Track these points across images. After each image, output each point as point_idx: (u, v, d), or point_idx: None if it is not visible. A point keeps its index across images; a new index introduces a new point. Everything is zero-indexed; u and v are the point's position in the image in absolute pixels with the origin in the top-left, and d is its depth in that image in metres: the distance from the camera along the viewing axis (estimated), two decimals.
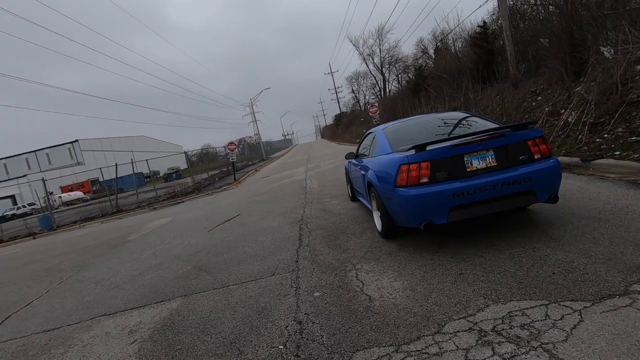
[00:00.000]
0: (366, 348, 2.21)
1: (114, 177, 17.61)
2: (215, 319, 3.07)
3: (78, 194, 37.64)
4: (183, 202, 14.76)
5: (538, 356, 1.84)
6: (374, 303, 2.74)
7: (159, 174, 46.27)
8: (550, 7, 12.94)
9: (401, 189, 3.40)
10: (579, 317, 2.08)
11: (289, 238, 5.10)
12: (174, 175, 37.62)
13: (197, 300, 3.59)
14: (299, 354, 2.31)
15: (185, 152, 25.02)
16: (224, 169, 25.62)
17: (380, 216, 4.10)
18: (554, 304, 2.25)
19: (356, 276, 3.31)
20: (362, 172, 4.83)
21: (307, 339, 2.45)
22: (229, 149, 19.48)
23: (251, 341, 2.59)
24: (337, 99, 57.37)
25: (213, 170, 25.76)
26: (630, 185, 4.31)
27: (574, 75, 8.48)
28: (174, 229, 8.31)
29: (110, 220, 13.92)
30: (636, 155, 4.99)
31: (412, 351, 2.09)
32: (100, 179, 23.40)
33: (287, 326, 2.69)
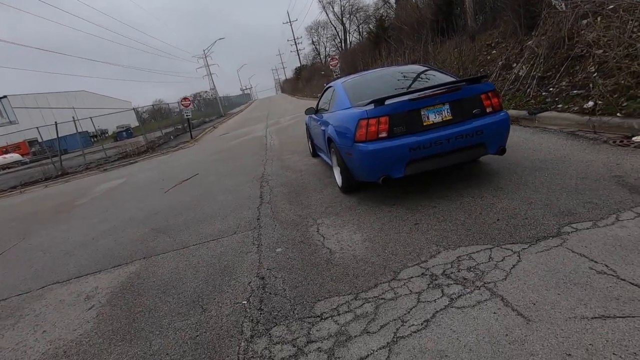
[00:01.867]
0: (327, 298, 2.32)
1: (55, 137, 16.10)
2: (176, 280, 3.04)
3: (15, 156, 34.23)
4: (136, 162, 13.97)
5: (481, 294, 2.03)
6: (335, 255, 2.84)
7: (107, 133, 42.97)
8: None
9: (360, 144, 3.42)
10: (518, 258, 2.30)
11: (249, 196, 5.05)
12: (124, 133, 35.12)
13: (157, 262, 3.52)
14: (262, 307, 2.37)
15: (134, 109, 23.19)
16: (179, 127, 24.27)
17: (340, 172, 4.14)
18: (497, 248, 2.46)
19: (317, 231, 3.39)
20: (322, 127, 4.77)
21: (270, 293, 2.52)
22: (183, 104, 18.33)
23: (214, 299, 2.61)
24: (297, 50, 55.02)
25: (167, 128, 24.33)
26: (568, 136, 4.65)
27: (527, 28, 8.66)
28: (128, 191, 7.91)
29: (55, 184, 12.94)
30: (576, 108, 5.34)
31: (369, 297, 2.22)
32: (39, 140, 21.28)
33: (250, 282, 2.73)
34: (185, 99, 18.47)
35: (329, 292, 2.38)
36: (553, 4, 7.54)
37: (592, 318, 1.69)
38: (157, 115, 31.86)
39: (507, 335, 1.71)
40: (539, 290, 1.96)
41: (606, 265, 2.04)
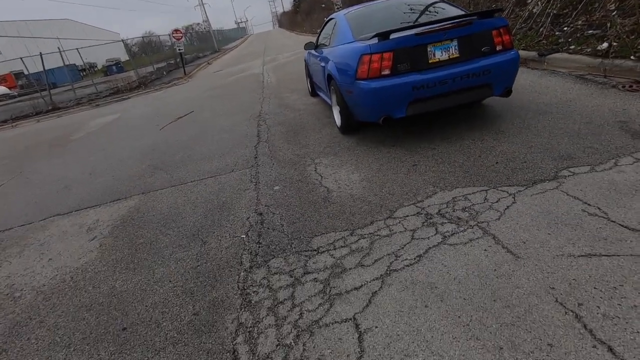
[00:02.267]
0: (323, 233, 2.38)
1: (42, 69, 15.34)
2: (176, 214, 3.10)
3: (2, 89, 32.96)
4: (129, 98, 13.52)
5: (473, 232, 2.09)
6: (332, 194, 2.87)
7: (96, 66, 40.98)
8: None
9: (362, 82, 3.27)
10: (513, 199, 2.33)
11: (246, 135, 4.97)
12: (114, 68, 33.46)
13: (156, 197, 3.56)
14: (260, 241, 2.45)
15: (123, 40, 21.83)
16: (172, 62, 23.13)
17: (340, 111, 4.03)
18: (493, 189, 2.48)
19: (315, 170, 3.39)
20: (322, 64, 4.54)
21: (268, 228, 2.58)
22: (174, 37, 17.25)
23: (214, 232, 2.69)
24: None
25: (159, 63, 23.17)
26: (576, 79, 4.48)
27: None
28: (122, 127, 7.76)
29: (47, 119, 12.63)
30: (589, 50, 5.07)
31: (365, 234, 2.28)
32: (26, 72, 20.23)
33: (248, 217, 2.79)
34: (176, 30, 17.34)
35: (325, 228, 2.44)
36: None
37: (578, 256, 1.76)
38: (147, 49, 30.11)
39: (495, 270, 1.79)
40: (530, 230, 2.01)
41: (599, 208, 2.07)
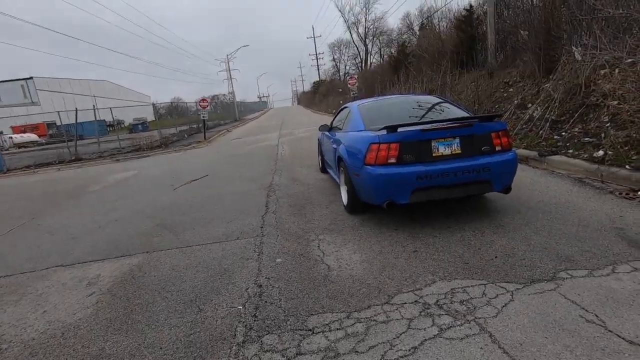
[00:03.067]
0: (320, 313, 2.38)
1: (73, 122, 16.53)
2: (176, 277, 3.13)
3: (32, 136, 35.02)
4: (149, 156, 14.25)
5: (470, 328, 2.08)
6: (332, 272, 2.91)
7: (123, 123, 43.82)
8: None
9: (369, 167, 3.52)
10: (511, 296, 2.34)
11: (256, 203, 5.15)
12: (139, 126, 35.75)
13: (159, 257, 3.62)
14: (257, 314, 2.44)
15: (153, 104, 23.75)
16: (194, 126, 24.71)
17: (347, 191, 4.24)
18: (491, 284, 2.51)
19: (318, 246, 3.46)
20: (334, 145, 4.90)
21: (266, 302, 2.59)
22: (200, 105, 18.72)
23: (211, 300, 2.69)
24: (317, 65, 56.04)
25: (182, 125, 24.80)
26: (575, 182, 4.70)
27: (545, 71, 8.79)
28: (138, 183, 8.09)
29: (68, 168, 13.23)
30: (586, 155, 5.40)
31: (361, 318, 2.28)
32: (58, 123, 21.74)
33: (247, 288, 2.80)
34: (203, 100, 18.89)
35: (323, 307, 2.44)
36: (573, 51, 7.68)
37: None
38: (173, 112, 32.47)
39: None
40: (527, 332, 2.00)
41: (596, 315, 2.08)
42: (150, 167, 10.88)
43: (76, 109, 16.22)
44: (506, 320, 2.11)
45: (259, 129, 22.71)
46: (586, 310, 2.13)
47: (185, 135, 21.10)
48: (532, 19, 10.67)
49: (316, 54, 53.56)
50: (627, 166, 4.63)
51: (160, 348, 2.20)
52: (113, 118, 23.59)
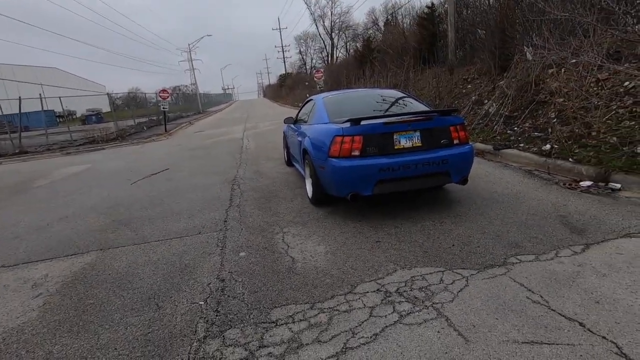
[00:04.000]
0: (284, 305, 2.37)
1: (17, 112, 15.19)
2: (133, 275, 2.99)
3: None
4: (104, 149, 13.44)
5: (428, 313, 2.17)
6: (297, 265, 2.91)
7: (75, 114, 40.95)
8: None
9: (333, 160, 3.54)
10: (466, 282, 2.46)
11: (219, 197, 5.03)
12: (93, 117, 33.51)
13: (115, 254, 3.44)
14: (218, 309, 2.39)
15: (108, 94, 22.28)
16: (154, 118, 23.59)
17: (312, 183, 4.24)
18: (448, 271, 2.63)
19: (282, 239, 3.44)
20: (299, 138, 4.88)
21: (229, 296, 2.54)
22: (160, 96, 17.88)
23: (171, 297, 2.60)
24: (284, 58, 55.38)
25: (141, 117, 23.58)
26: (526, 174, 5.01)
27: (500, 69, 9.27)
28: (92, 178, 7.61)
29: (12, 162, 12.18)
30: (535, 149, 5.77)
31: (325, 308, 2.30)
32: None
33: (209, 283, 2.74)
34: (163, 90, 18.05)
35: (286, 299, 2.44)
36: (524, 51, 8.14)
37: (522, 342, 1.86)
38: (131, 103, 30.77)
39: (446, 353, 1.84)
40: (480, 314, 2.12)
41: (541, 296, 2.24)
42: (105, 160, 10.27)
43: (19, 97, 14.92)
44: (461, 305, 2.22)
45: (223, 122, 22.12)
46: (532, 292, 2.28)
47: (145, 128, 20.11)
48: (488, 19, 11.19)
49: (282, 47, 52.86)
50: (570, 159, 5.01)
51: (115, 349, 2.10)
52: (63, 108, 21.92)
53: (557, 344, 1.83)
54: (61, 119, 32.13)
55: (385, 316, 2.17)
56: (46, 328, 2.37)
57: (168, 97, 18.05)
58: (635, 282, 2.29)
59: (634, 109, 5.35)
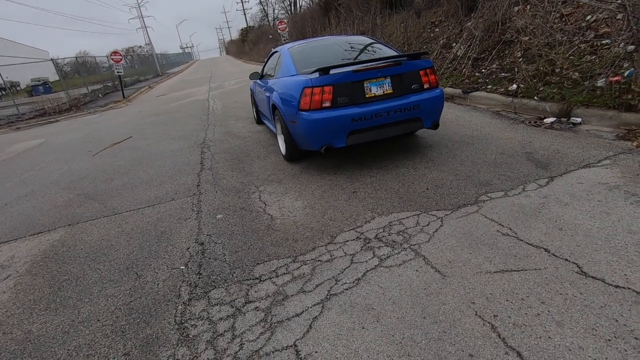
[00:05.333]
0: (266, 261, 2.39)
1: None
2: (107, 247, 2.90)
3: None
4: (57, 121, 12.49)
5: (407, 255, 2.25)
6: (275, 221, 2.91)
7: (19, 86, 37.36)
8: None
9: (304, 113, 3.43)
10: (440, 222, 2.55)
11: (189, 162, 4.85)
12: (40, 88, 30.61)
13: (85, 229, 3.30)
14: (200, 272, 2.38)
15: (52, 59, 20.24)
16: (109, 84, 21.93)
17: (284, 139, 4.14)
18: (424, 214, 2.70)
19: (259, 197, 3.41)
20: (267, 94, 4.67)
21: (209, 258, 2.53)
22: (113, 59, 16.46)
23: (150, 265, 2.55)
24: (244, 10, 51.73)
25: (95, 84, 21.82)
26: (494, 115, 5.11)
27: (468, 9, 9.06)
28: (48, 152, 7.11)
29: None
30: (502, 90, 5.84)
31: (307, 260, 2.34)
32: None
33: (188, 248, 2.70)
34: (115, 52, 16.59)
35: (268, 255, 2.45)
36: None
37: (494, 272, 1.98)
38: (82, 69, 28.25)
39: (425, 289, 1.93)
40: (455, 251, 2.22)
41: (510, 229, 2.36)
42: (60, 133, 9.57)
43: None
44: (437, 244, 2.31)
45: (185, 83, 20.89)
46: (502, 226, 2.40)
47: (100, 95, 18.72)
48: None
49: None
50: (535, 97, 5.12)
51: (98, 320, 2.07)
52: (3, 80, 19.86)
53: (525, 270, 1.96)
54: (4, 92, 29.24)
55: (366, 261, 2.23)
56: (21, 309, 2.29)
57: (121, 59, 16.66)
58: (593, 208, 2.45)
59: (595, 43, 5.45)
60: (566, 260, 1.99)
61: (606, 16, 5.62)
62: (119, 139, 7.13)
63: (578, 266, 1.94)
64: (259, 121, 6.41)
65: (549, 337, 1.54)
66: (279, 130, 4.42)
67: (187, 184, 4.02)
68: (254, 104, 6.47)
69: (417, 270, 2.09)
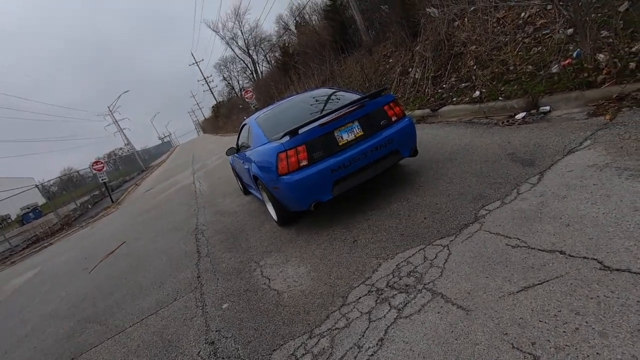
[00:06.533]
0: (282, 345, 2.23)
1: None
2: None
3: None
4: (51, 244, 12.36)
5: (423, 297, 2.12)
6: (283, 296, 2.77)
7: (9, 218, 37.50)
8: None
9: (285, 177, 3.43)
10: (448, 251, 2.45)
11: (186, 253, 4.74)
12: (31, 215, 30.77)
13: (90, 358, 3.09)
14: None
15: (37, 186, 20.57)
16: (96, 193, 22.18)
17: (273, 206, 4.10)
18: (429, 246, 2.61)
19: (261, 273, 3.28)
20: (246, 165, 4.72)
21: (223, 357, 2.35)
22: (95, 169, 16.80)
23: None
24: (210, 89, 54.30)
25: (83, 197, 22.05)
26: (467, 124, 5.20)
27: (413, 36, 9.63)
28: (44, 281, 6.92)
29: None
30: (467, 99, 6.02)
31: (323, 332, 2.18)
32: None
33: (199, 352, 2.52)
34: (96, 162, 16.97)
35: (283, 337, 2.29)
36: (428, 12, 8.51)
37: (517, 292, 1.86)
38: (69, 185, 28.73)
39: (452, 332, 1.79)
40: (470, 278, 2.10)
41: (518, 239, 2.27)
42: (55, 256, 9.42)
43: None
44: (451, 276, 2.20)
45: (170, 172, 21.23)
46: (509, 237, 2.31)
47: (90, 206, 18.83)
48: None
49: (204, 78, 51.73)
50: (500, 98, 5.27)
51: None
52: None
53: (548, 281, 1.84)
54: None
55: (384, 316, 2.09)
56: None
57: (103, 167, 17.02)
58: (592, 194, 2.40)
59: (537, 35, 5.74)
60: (584, 258, 1.89)
61: (538, 10, 6.00)
62: (113, 247, 7.01)
63: (599, 261, 1.84)
64: (246, 192, 6.41)
65: (597, 354, 1.40)
66: (265, 198, 4.40)
67: (187, 279, 3.87)
68: (237, 177, 6.52)
69: (438, 312, 1.95)
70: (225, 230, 5.04)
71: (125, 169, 38.63)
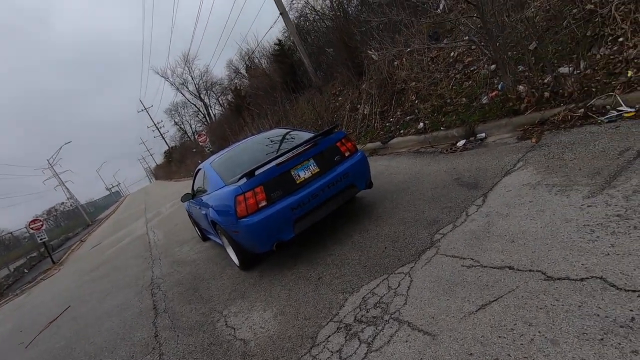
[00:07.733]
0: None
1: None
2: None
3: None
4: None
5: (391, 327, 2.14)
6: (250, 345, 2.64)
7: None
8: (326, 22, 15.35)
9: (244, 220, 3.38)
10: (410, 278, 2.52)
11: (141, 312, 4.38)
12: None
13: None
14: None
15: None
16: (34, 254, 20.04)
17: (234, 249, 3.99)
18: (392, 275, 2.67)
19: (226, 323, 3.11)
20: (203, 211, 4.59)
21: None
22: (32, 229, 15.29)
23: None
24: (161, 135, 52.95)
25: (17, 260, 19.79)
26: (416, 154, 5.54)
27: (358, 75, 10.29)
28: None
29: None
30: (413, 130, 6.46)
31: None
32: None
33: None
34: (33, 220, 15.48)
35: None
36: (370, 54, 9.21)
37: (476, 311, 1.95)
38: (0, 250, 25.76)
39: (422, 358, 1.81)
40: (433, 302, 2.17)
41: (472, 259, 2.41)
42: None
43: None
44: (415, 302, 2.25)
45: (120, 224, 19.89)
46: (463, 259, 2.44)
47: (26, 270, 16.89)
48: (330, 38, 12.44)
49: (155, 124, 50.56)
50: (441, 128, 5.72)
51: None
52: None
53: (502, 297, 1.96)
54: None
55: (355, 352, 2.07)
56: None
57: (42, 225, 15.55)
58: (529, 210, 2.63)
59: (466, 71, 6.41)
60: (530, 271, 2.05)
61: (464, 49, 6.74)
62: (56, 313, 6.29)
63: (542, 273, 1.99)
64: (205, 238, 6.18)
65: None
66: (226, 242, 4.27)
67: (144, 340, 3.56)
68: (195, 223, 6.29)
69: (406, 341, 1.97)
70: (184, 281, 4.76)
71: (68, 224, 35.63)
